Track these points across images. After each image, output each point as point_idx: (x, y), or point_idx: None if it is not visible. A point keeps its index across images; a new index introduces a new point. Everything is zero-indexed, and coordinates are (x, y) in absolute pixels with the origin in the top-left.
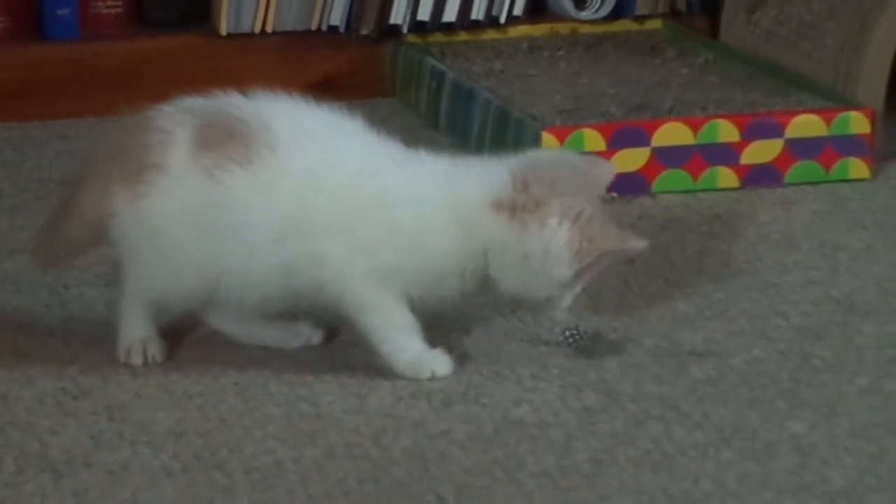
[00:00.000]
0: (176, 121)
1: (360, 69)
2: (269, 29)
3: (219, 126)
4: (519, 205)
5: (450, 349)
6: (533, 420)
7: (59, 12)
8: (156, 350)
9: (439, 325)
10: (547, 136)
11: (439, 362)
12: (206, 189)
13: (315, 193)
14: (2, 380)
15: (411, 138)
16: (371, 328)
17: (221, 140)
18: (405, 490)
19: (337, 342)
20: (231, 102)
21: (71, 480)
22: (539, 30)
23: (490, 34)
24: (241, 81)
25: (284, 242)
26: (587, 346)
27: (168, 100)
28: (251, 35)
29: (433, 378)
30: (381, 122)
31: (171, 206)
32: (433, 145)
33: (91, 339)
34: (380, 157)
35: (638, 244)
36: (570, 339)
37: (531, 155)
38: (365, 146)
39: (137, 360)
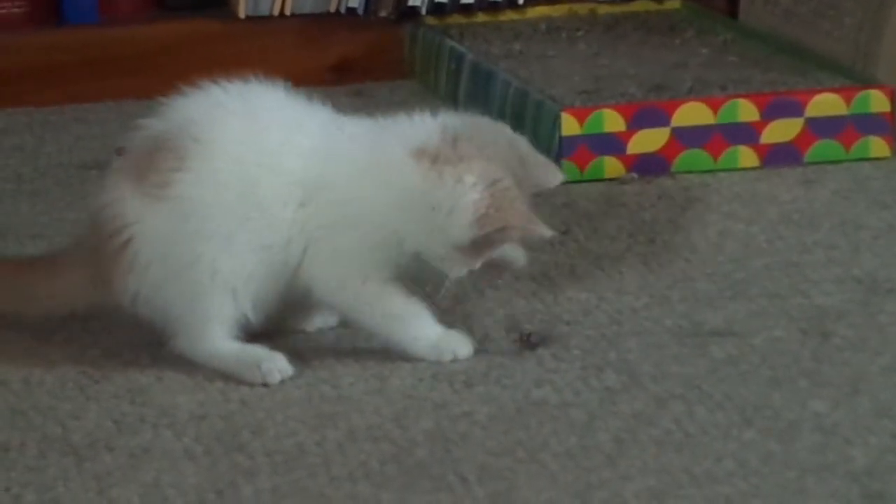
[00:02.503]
0: (115, 184)
1: (378, 51)
2: (287, 12)
3: (145, 149)
4: (441, 155)
5: (471, 331)
6: (554, 401)
7: None
8: (282, 363)
9: (461, 306)
10: (566, 117)
11: (460, 343)
12: (161, 207)
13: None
14: (23, 364)
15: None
16: (374, 324)
17: (149, 160)
18: (427, 471)
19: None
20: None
21: (93, 464)
22: (557, 10)
23: (508, 15)
24: (259, 65)
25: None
26: (534, 346)
27: (187, 83)
28: (269, 18)
29: (455, 360)
30: (399, 104)
31: (151, 244)
32: None
33: (112, 323)
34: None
35: (545, 230)
36: (519, 342)
37: (478, 120)
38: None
39: (275, 377)
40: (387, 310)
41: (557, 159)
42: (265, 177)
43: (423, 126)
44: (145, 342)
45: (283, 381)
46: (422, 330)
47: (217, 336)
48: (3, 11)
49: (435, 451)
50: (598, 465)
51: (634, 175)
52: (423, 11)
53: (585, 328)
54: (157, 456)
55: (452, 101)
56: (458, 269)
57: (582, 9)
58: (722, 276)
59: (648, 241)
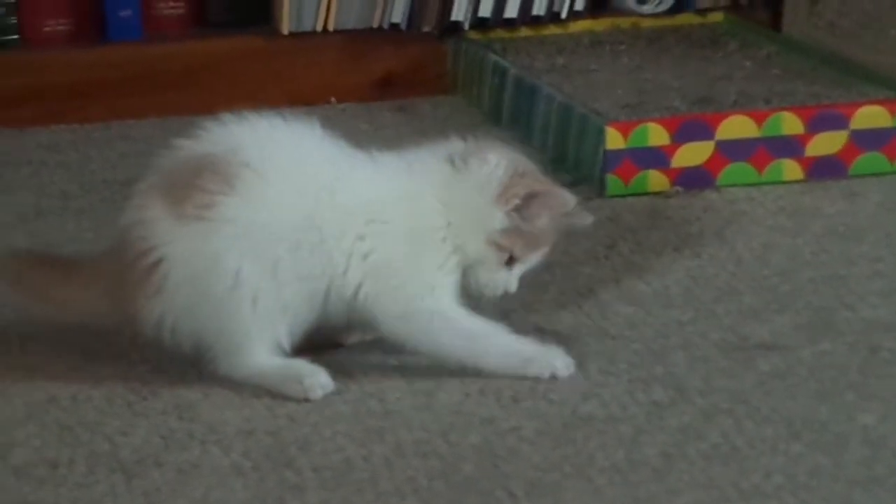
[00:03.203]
0: (146, 203)
1: (421, 66)
2: (330, 27)
3: (182, 170)
4: (468, 154)
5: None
6: (601, 415)
7: (122, 14)
8: (324, 379)
9: (507, 321)
10: (611, 131)
11: (560, 360)
12: (200, 229)
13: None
14: (71, 380)
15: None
16: (457, 348)
17: (188, 181)
18: (475, 486)
19: None
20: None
21: (142, 480)
22: (600, 24)
23: (551, 29)
24: (302, 81)
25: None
26: None
27: (231, 100)
28: (313, 34)
29: (554, 378)
30: (443, 120)
31: (184, 266)
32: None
33: (159, 340)
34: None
35: (569, 197)
36: None
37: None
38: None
39: (317, 393)
40: (466, 331)
41: (602, 173)
42: (322, 208)
43: (450, 143)
44: (192, 359)
45: (329, 397)
46: (512, 346)
47: (258, 353)
48: (48, 29)
49: (482, 467)
50: (645, 479)
51: (679, 188)
52: (466, 26)
53: (632, 342)
54: (205, 472)
55: (496, 115)
56: (495, 279)
57: (625, 22)
58: (768, 290)
59: (694, 255)
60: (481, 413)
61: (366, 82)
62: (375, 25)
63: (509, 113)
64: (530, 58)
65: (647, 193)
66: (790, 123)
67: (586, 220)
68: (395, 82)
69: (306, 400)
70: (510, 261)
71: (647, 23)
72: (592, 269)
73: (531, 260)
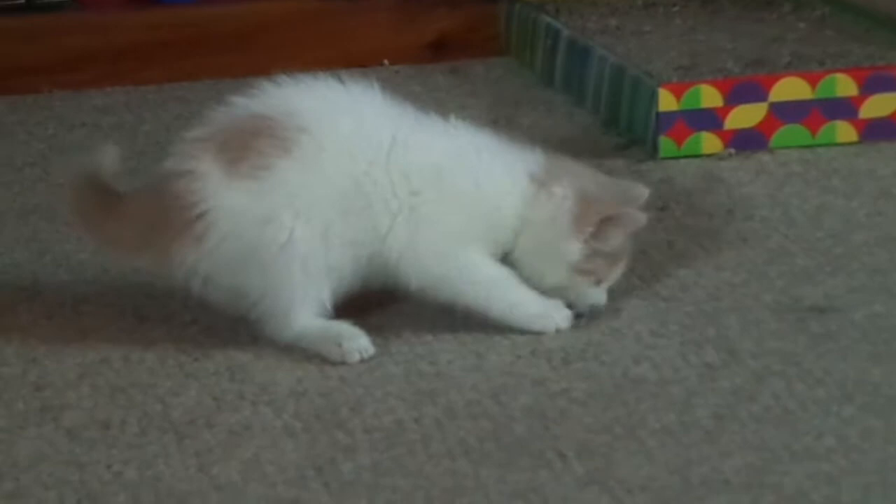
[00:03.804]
0: (196, 156)
1: (474, 28)
2: None
3: (237, 128)
4: (543, 179)
5: (569, 306)
6: (653, 377)
7: None
8: (364, 342)
9: None
10: (664, 93)
11: (561, 314)
12: (254, 188)
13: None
14: (123, 342)
15: (527, 97)
16: (473, 294)
17: (244, 140)
18: (526, 448)
19: None
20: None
21: (193, 441)
22: None
23: None
24: (356, 43)
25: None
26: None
27: (283, 63)
28: None
29: (558, 330)
30: (496, 82)
31: (231, 222)
32: (549, 104)
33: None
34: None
35: (640, 213)
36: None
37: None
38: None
39: (354, 357)
40: (486, 278)
41: (654, 135)
42: (375, 174)
43: (531, 155)
44: (244, 319)
45: (380, 358)
46: (521, 297)
47: (302, 314)
48: None
49: (533, 428)
50: (696, 441)
51: (732, 150)
52: None
53: (684, 304)
54: (256, 433)
55: (548, 77)
56: (592, 294)
57: None
58: (821, 252)
59: (746, 217)
60: (532, 374)
61: (419, 44)
62: None
63: (562, 75)
64: (583, 19)
65: (699, 155)
66: (844, 85)
67: (642, 218)
68: (448, 44)
69: (343, 363)
70: (598, 281)
71: None
72: (644, 231)
73: (615, 275)
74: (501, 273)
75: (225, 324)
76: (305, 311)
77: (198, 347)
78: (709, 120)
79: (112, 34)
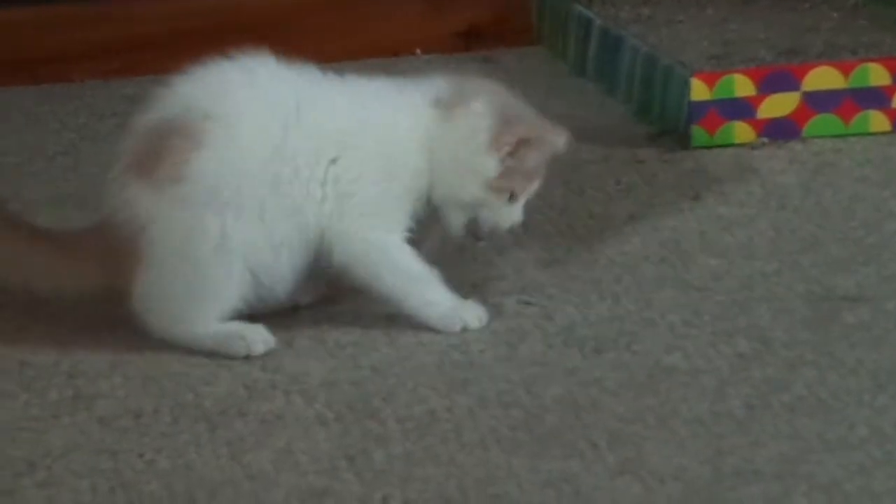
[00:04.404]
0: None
1: (506, 18)
2: None
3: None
4: (453, 97)
5: (602, 296)
6: (685, 367)
7: None
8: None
9: (588, 272)
10: (696, 82)
11: (472, 314)
12: (177, 193)
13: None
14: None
15: (559, 86)
16: (392, 285)
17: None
18: (558, 437)
19: (488, 289)
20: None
21: (225, 430)
22: None
23: None
24: (388, 31)
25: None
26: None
27: (315, 52)
28: None
29: (465, 330)
30: (528, 71)
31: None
32: (581, 93)
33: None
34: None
35: (560, 135)
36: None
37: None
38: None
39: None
40: (407, 271)
41: (687, 125)
42: (292, 137)
43: (434, 83)
44: (277, 310)
45: (413, 347)
46: (437, 296)
47: (212, 316)
48: None
49: (565, 418)
50: (728, 431)
51: (765, 140)
52: None
53: (716, 294)
54: (288, 422)
55: (580, 67)
56: (501, 216)
57: None
58: (854, 241)
59: (779, 207)
60: (564, 364)
61: (450, 33)
62: None
63: (594, 64)
64: (615, 9)
65: (732, 145)
66: (877, 74)
67: (560, 141)
68: (480, 34)
69: (248, 356)
70: (511, 196)
71: None
72: (677, 221)
73: (530, 191)
74: (422, 269)
75: (257, 313)
76: (217, 314)
77: None
78: (742, 109)
79: (143, 23)
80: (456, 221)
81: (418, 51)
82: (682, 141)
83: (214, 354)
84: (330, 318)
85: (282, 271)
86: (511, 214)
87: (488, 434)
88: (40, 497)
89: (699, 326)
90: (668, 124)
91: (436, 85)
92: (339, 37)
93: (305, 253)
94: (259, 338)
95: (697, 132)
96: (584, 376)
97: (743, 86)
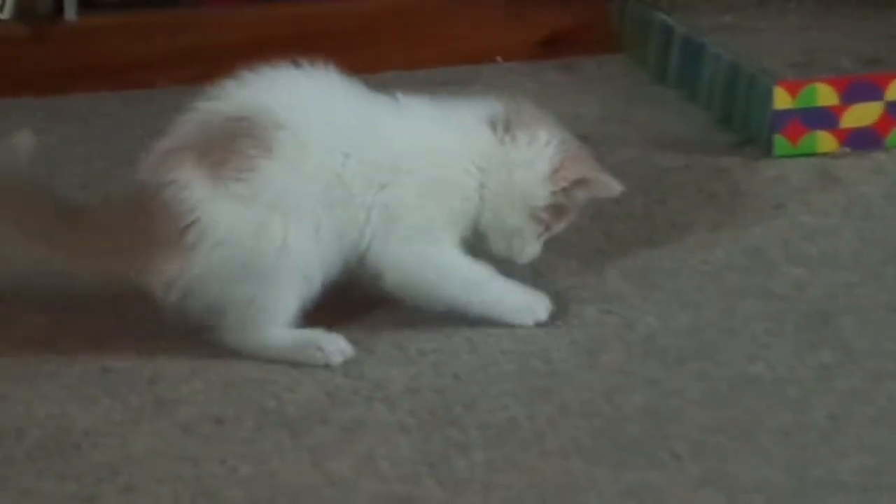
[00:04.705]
0: (179, 164)
1: (587, 25)
2: None
3: (214, 131)
4: (512, 120)
5: (684, 305)
6: (768, 377)
7: None
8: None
9: (670, 281)
10: (779, 91)
11: (542, 305)
12: (240, 193)
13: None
14: None
15: (640, 94)
16: (453, 294)
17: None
18: (639, 447)
19: (568, 297)
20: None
21: (307, 437)
22: None
23: None
24: (468, 39)
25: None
26: None
27: (394, 60)
28: None
29: (538, 323)
30: (608, 79)
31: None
32: (662, 101)
33: (323, 296)
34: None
35: (615, 185)
36: None
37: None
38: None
39: (337, 358)
40: (464, 280)
41: (769, 133)
42: (351, 166)
43: (488, 103)
44: (359, 315)
45: (495, 356)
46: (501, 293)
47: (279, 324)
48: None
49: (647, 428)
50: (812, 442)
51: (848, 149)
52: None
53: (799, 304)
54: (370, 429)
55: (661, 74)
56: (530, 247)
57: None
58: None
59: (863, 216)
60: (645, 373)
61: (531, 41)
62: None
63: (675, 72)
64: (697, 16)
65: (814, 154)
66: None
67: (617, 190)
68: (560, 41)
69: (327, 366)
70: (545, 230)
71: None
72: (760, 230)
73: (560, 227)
74: (479, 270)
75: (339, 320)
76: (283, 319)
77: None
78: (824, 118)
79: (224, 30)
80: (497, 247)
81: (499, 58)
82: (765, 150)
83: (294, 362)
84: (411, 324)
85: (321, 284)
86: (536, 248)
87: (569, 443)
88: (122, 503)
89: (782, 336)
90: (751, 133)
91: (490, 105)
92: (421, 45)
93: (340, 274)
94: (336, 348)
95: (780, 141)
96: (665, 386)
97: (826, 95)
